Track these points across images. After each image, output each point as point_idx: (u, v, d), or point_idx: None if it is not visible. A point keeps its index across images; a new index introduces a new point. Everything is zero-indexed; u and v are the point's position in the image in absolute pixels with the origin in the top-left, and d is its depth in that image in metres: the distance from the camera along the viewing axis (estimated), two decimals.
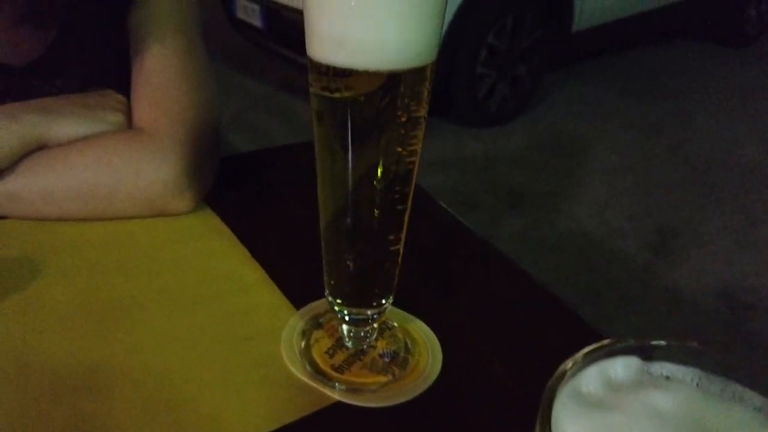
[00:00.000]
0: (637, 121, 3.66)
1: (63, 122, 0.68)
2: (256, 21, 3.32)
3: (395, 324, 0.58)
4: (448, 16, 2.99)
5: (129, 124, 0.73)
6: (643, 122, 3.65)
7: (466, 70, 3.17)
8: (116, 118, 0.71)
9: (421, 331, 0.57)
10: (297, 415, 0.49)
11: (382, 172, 0.45)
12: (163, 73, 0.74)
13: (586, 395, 0.27)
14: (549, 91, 3.87)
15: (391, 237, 0.50)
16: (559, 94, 3.91)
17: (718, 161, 3.29)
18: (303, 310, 0.59)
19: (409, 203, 0.49)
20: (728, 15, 4.33)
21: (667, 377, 0.29)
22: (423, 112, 0.44)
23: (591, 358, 0.28)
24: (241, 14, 3.45)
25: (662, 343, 0.29)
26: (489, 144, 3.38)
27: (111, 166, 0.67)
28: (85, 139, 0.68)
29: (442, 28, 0.41)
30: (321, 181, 0.48)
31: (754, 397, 0.27)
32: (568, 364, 0.27)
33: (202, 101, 0.75)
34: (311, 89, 0.43)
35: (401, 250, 0.51)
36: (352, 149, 0.43)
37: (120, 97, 0.75)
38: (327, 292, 0.53)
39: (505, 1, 3.17)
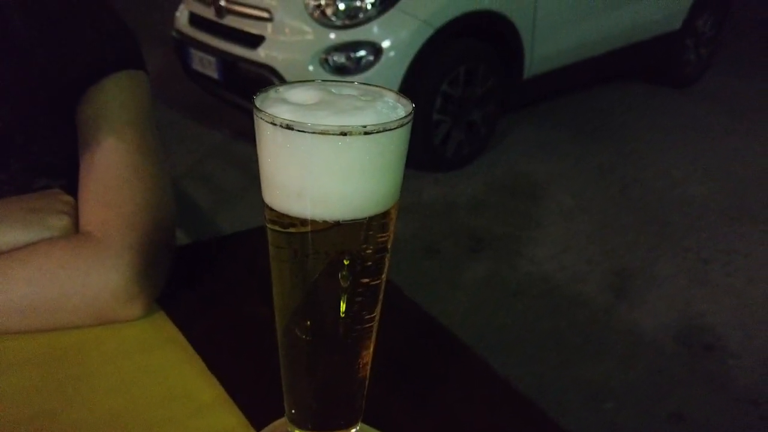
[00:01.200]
0: (590, 162, 3.76)
1: (3, 229, 0.65)
2: (213, 72, 3.30)
3: None
4: (404, 67, 3.04)
5: (76, 226, 0.69)
6: (595, 163, 3.75)
7: (422, 117, 3.21)
8: (62, 222, 0.68)
9: None
10: None
11: (346, 305, 0.43)
12: (114, 171, 0.71)
13: None
14: (504, 134, 3.95)
15: (357, 361, 0.48)
16: (514, 138, 3.99)
17: (668, 200, 3.38)
18: (265, 431, 0.56)
19: (375, 329, 0.47)
20: (669, 58, 4.53)
21: None
22: (388, 243, 0.43)
23: None
24: (197, 66, 3.42)
25: None
26: (447, 188, 3.41)
27: (55, 279, 0.63)
28: (28, 247, 0.65)
29: (403, 172, 0.40)
30: (278, 308, 0.46)
31: None
32: None
33: (156, 200, 0.72)
34: (267, 224, 0.42)
35: (368, 373, 0.49)
36: (313, 284, 0.42)
37: (66, 197, 0.72)
38: (288, 419, 0.50)
39: (458, 53, 3.24)
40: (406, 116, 0.35)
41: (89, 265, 0.64)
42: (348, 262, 0.40)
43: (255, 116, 0.35)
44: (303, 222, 0.37)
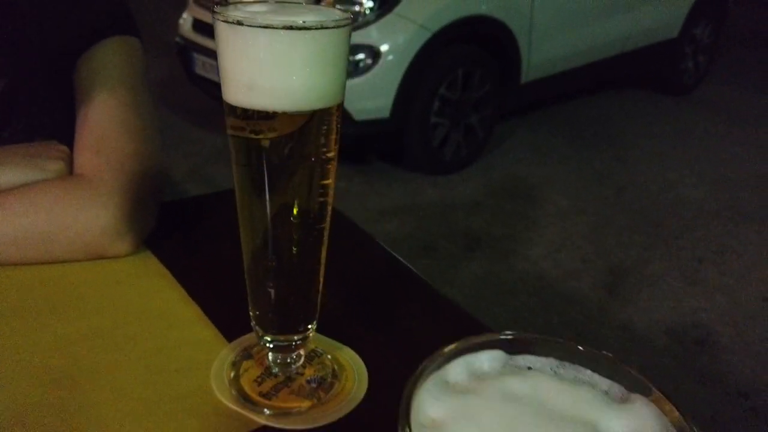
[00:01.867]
0: (586, 166, 3.80)
1: (2, 170, 0.70)
2: (215, 76, 3.38)
3: (323, 352, 0.60)
4: (402, 70, 3.11)
5: (70, 172, 0.75)
6: (591, 167, 3.79)
7: (420, 120, 3.27)
8: (57, 166, 0.74)
9: (348, 357, 0.60)
10: None
11: (297, 209, 0.48)
12: (106, 124, 0.77)
13: (453, 384, 0.30)
14: (502, 139, 4.01)
15: (309, 267, 0.53)
16: (511, 142, 4.05)
17: (662, 202, 3.42)
18: (235, 342, 0.61)
19: (326, 236, 0.52)
20: (667, 66, 4.59)
21: (529, 367, 0.32)
22: (333, 152, 0.48)
23: (457, 352, 0.31)
24: (200, 70, 3.51)
25: (524, 336, 0.32)
26: (445, 190, 3.46)
27: (49, 213, 0.69)
28: (25, 185, 0.71)
29: (346, 72, 0.45)
30: (241, 219, 0.51)
31: (602, 381, 0.31)
32: (435, 358, 0.31)
33: (143, 150, 0.78)
34: (228, 132, 0.47)
35: (321, 279, 0.54)
36: (267, 186, 0.47)
37: (63, 147, 0.78)
38: (253, 322, 0.55)
39: (455, 57, 3.31)
40: (342, 19, 0.41)
41: (81, 202, 0.70)
42: (297, 159, 0.45)
43: (213, 19, 0.41)
44: (253, 114, 0.43)
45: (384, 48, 3.08)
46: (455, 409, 0.28)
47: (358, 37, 3.03)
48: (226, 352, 0.60)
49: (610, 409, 0.29)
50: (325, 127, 0.45)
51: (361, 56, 3.06)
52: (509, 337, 0.32)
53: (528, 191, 3.58)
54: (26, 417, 0.51)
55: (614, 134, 4.30)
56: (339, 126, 0.47)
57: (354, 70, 3.07)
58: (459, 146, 3.54)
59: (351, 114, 3.09)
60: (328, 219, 0.51)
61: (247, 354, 0.59)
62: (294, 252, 0.51)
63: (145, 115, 0.81)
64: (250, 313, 0.55)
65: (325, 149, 0.47)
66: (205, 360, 0.59)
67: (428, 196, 3.42)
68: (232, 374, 0.57)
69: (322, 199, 0.49)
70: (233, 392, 0.55)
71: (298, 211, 0.49)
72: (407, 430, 0.25)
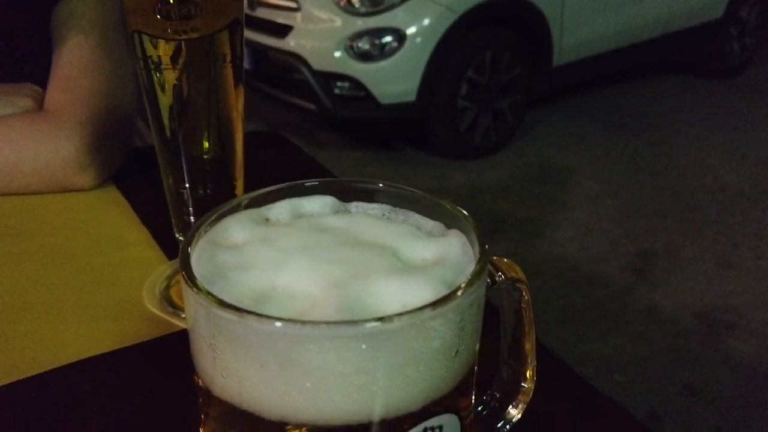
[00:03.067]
0: (620, 152, 3.70)
1: None
2: (245, 63, 3.44)
3: None
4: (428, 53, 3.09)
5: (39, 110, 0.78)
6: (625, 152, 3.69)
7: (447, 104, 3.25)
8: (25, 102, 0.77)
9: None
10: (145, 338, 0.52)
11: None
12: (77, 63, 0.80)
13: (271, 221, 0.30)
14: (533, 125, 3.93)
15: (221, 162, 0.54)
16: (542, 128, 3.97)
17: (699, 187, 3.30)
18: (174, 260, 0.63)
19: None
20: (710, 49, 4.41)
21: (361, 212, 0.32)
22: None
23: (284, 194, 0.31)
24: None
25: (358, 181, 0.32)
26: (473, 175, 3.42)
27: (12, 143, 0.72)
28: None
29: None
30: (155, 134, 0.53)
31: (429, 223, 0.30)
32: (259, 196, 0.30)
33: (111, 90, 0.80)
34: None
35: (237, 181, 0.55)
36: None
37: (35, 87, 0.81)
38: (175, 230, 0.56)
39: (483, 39, 3.27)
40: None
41: (43, 134, 0.72)
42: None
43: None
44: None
45: (410, 31, 3.07)
46: (258, 234, 0.28)
47: (384, 19, 3.03)
48: (164, 268, 0.61)
49: (417, 240, 0.28)
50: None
51: (387, 39, 3.06)
52: (343, 183, 0.31)
53: (557, 176, 3.50)
54: None
55: (651, 119, 4.16)
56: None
57: (380, 53, 3.07)
58: (488, 131, 3.50)
59: (376, 97, 3.10)
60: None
61: None
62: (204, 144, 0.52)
63: (117, 58, 0.83)
64: (173, 222, 0.56)
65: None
66: (144, 276, 0.60)
67: (455, 181, 3.39)
68: (164, 285, 0.58)
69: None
70: (161, 300, 0.56)
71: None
72: (185, 243, 0.25)
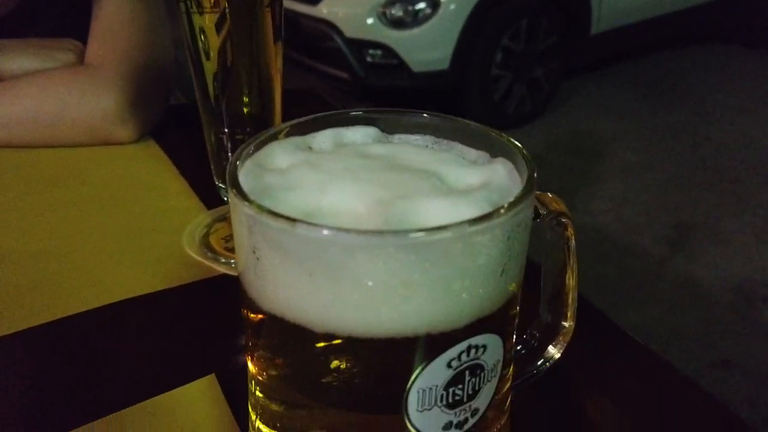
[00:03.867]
0: (658, 122, 3.60)
1: (15, 57, 0.75)
2: None
3: None
4: (462, 19, 3.04)
5: (80, 63, 0.79)
6: (663, 123, 3.59)
7: (481, 72, 3.20)
8: (67, 56, 0.78)
9: None
10: (183, 281, 0.53)
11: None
12: (114, 16, 0.81)
13: (314, 149, 0.30)
14: (569, 95, 3.85)
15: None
16: (579, 98, 3.89)
17: (741, 159, 3.20)
18: (213, 210, 0.63)
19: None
20: (754, 17, 4.24)
21: (404, 142, 0.31)
22: None
23: (327, 123, 0.31)
24: None
25: (403, 112, 0.31)
26: None
27: (55, 95, 0.73)
28: (36, 72, 0.75)
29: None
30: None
31: (473, 153, 0.30)
32: (302, 124, 0.30)
33: (149, 43, 0.81)
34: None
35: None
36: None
37: (76, 42, 0.82)
38: (215, 178, 0.57)
39: (519, 6, 3.19)
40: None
41: (85, 86, 0.73)
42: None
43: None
44: None
45: None
46: (302, 159, 0.28)
47: None
48: (203, 217, 0.62)
49: (462, 167, 0.28)
50: None
51: (420, 5, 3.01)
52: (386, 113, 0.31)
53: (594, 147, 3.44)
54: (25, 262, 0.55)
55: (693, 89, 4.04)
56: None
57: (413, 20, 3.02)
58: (523, 100, 3.44)
59: (409, 66, 3.06)
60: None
61: (221, 218, 0.61)
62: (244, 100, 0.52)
63: (155, 12, 0.83)
64: (213, 172, 0.57)
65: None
66: (183, 223, 0.61)
67: None
68: (203, 233, 0.59)
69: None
70: (200, 246, 0.57)
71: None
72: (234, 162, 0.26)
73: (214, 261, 0.55)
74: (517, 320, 0.29)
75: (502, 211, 0.23)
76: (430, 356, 0.23)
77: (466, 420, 0.26)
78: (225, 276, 0.54)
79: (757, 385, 1.93)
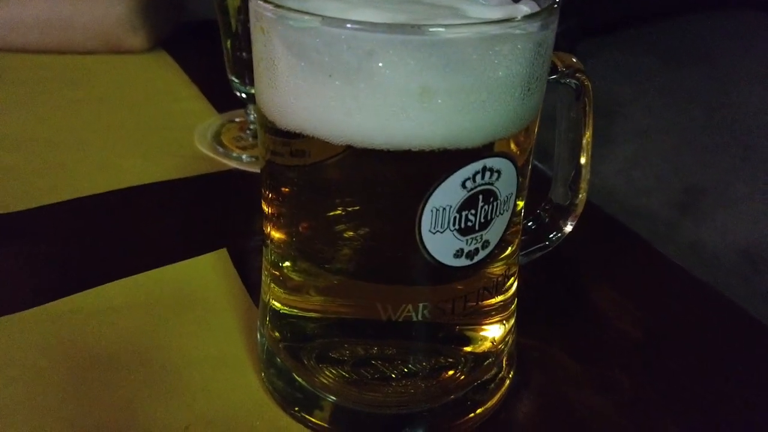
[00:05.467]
0: (676, 86, 3.54)
1: None
2: None
3: None
4: None
5: None
6: (681, 87, 3.53)
7: None
8: None
9: None
10: (195, 173, 0.53)
11: None
12: None
13: None
14: (585, 55, 3.79)
15: None
16: (595, 61, 3.82)
17: (757, 124, 3.15)
18: (224, 113, 0.63)
19: None
20: None
21: None
22: None
23: None
24: None
25: None
26: None
27: (67, 0, 0.72)
28: None
29: None
30: None
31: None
32: None
33: None
34: None
35: None
36: None
37: None
38: (229, 73, 0.56)
39: None
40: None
41: None
42: None
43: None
44: None
45: None
46: None
47: None
48: (215, 119, 0.62)
49: (485, 5, 0.27)
50: None
51: None
52: None
53: (606, 109, 3.39)
54: (39, 149, 0.55)
55: (714, 54, 3.96)
56: None
57: None
58: None
59: None
60: None
61: (232, 120, 0.61)
62: None
63: None
64: (227, 69, 0.57)
65: None
66: (195, 123, 0.61)
67: None
68: (215, 131, 0.59)
69: None
70: (212, 143, 0.57)
71: None
72: None
73: (225, 156, 0.55)
74: (531, 157, 0.29)
75: (522, 19, 0.23)
76: (445, 173, 0.23)
77: (476, 251, 0.26)
78: (236, 171, 0.54)
79: None
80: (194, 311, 0.38)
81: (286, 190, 0.27)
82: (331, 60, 0.22)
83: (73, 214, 0.48)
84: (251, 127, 0.58)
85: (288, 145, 0.25)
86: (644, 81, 3.91)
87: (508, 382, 0.34)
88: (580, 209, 0.36)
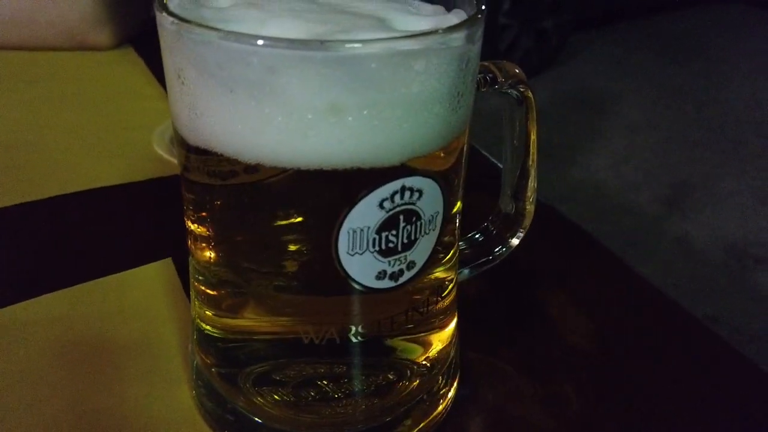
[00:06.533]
0: (666, 81, 3.54)
1: None
2: None
3: None
4: None
5: None
6: (671, 82, 3.53)
7: (488, 20, 3.12)
8: None
9: None
10: (149, 176, 0.52)
11: None
12: None
13: None
14: (578, 50, 3.78)
15: None
16: (587, 54, 3.81)
17: (746, 121, 3.16)
18: None
19: None
20: None
21: None
22: None
23: None
24: None
25: None
26: None
27: None
28: None
29: None
30: None
31: (429, 8, 0.28)
32: None
33: None
34: None
35: None
36: None
37: None
38: None
39: None
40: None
41: None
42: None
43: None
44: None
45: None
46: (245, 0, 0.26)
47: None
48: None
49: (411, 15, 0.26)
50: None
51: None
52: None
53: (597, 103, 3.39)
54: None
55: (704, 49, 3.96)
56: None
57: None
58: (529, 52, 3.37)
59: None
60: None
61: None
62: None
63: None
64: None
65: None
66: (154, 124, 0.60)
67: (489, 104, 3.30)
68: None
69: None
70: (170, 146, 0.56)
71: None
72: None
73: None
74: (462, 175, 0.28)
75: (436, 32, 0.22)
76: (361, 193, 0.22)
77: (401, 272, 0.25)
78: None
79: (743, 344, 1.95)
80: (135, 323, 0.37)
81: (202, 207, 0.26)
82: (233, 75, 0.21)
83: (21, 219, 0.47)
84: None
85: (201, 162, 0.24)
86: (634, 76, 3.89)
87: (450, 396, 0.33)
88: (527, 222, 0.35)
